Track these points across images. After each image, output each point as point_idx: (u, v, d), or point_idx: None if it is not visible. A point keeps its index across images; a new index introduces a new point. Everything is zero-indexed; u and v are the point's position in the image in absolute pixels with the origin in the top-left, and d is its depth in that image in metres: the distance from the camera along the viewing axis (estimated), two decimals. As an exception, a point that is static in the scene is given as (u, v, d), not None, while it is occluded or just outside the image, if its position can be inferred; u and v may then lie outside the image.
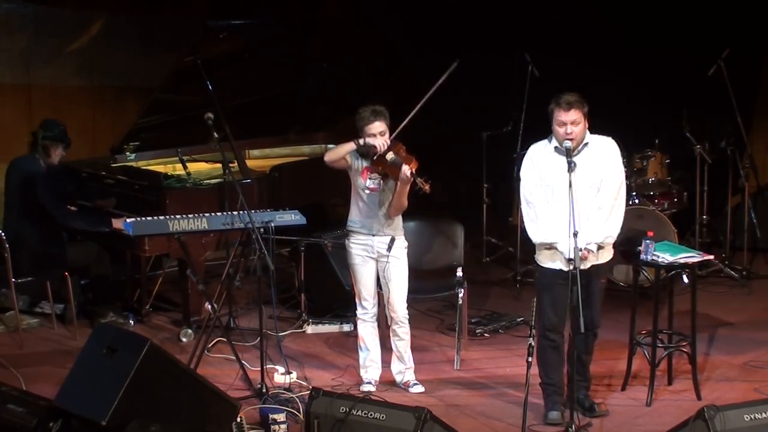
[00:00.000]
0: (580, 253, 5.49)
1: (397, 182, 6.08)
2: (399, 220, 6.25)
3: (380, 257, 6.23)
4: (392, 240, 6.19)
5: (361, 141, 6.06)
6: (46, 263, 7.23)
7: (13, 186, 7.29)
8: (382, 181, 6.14)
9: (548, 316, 5.79)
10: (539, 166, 5.76)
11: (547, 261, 5.80)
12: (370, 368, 6.38)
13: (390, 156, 6.06)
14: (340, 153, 6.15)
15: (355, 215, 6.24)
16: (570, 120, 5.63)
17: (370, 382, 6.33)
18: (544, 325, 5.77)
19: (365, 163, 6.16)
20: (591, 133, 5.79)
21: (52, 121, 7.39)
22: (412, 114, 6.11)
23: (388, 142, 6.07)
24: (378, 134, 6.05)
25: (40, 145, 7.23)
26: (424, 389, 6.37)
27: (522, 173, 5.84)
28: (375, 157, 6.09)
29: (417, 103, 6.16)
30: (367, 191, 6.17)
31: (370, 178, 6.13)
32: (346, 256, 6.38)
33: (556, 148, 5.74)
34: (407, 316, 6.34)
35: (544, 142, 5.85)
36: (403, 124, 6.12)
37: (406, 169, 5.94)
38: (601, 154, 5.77)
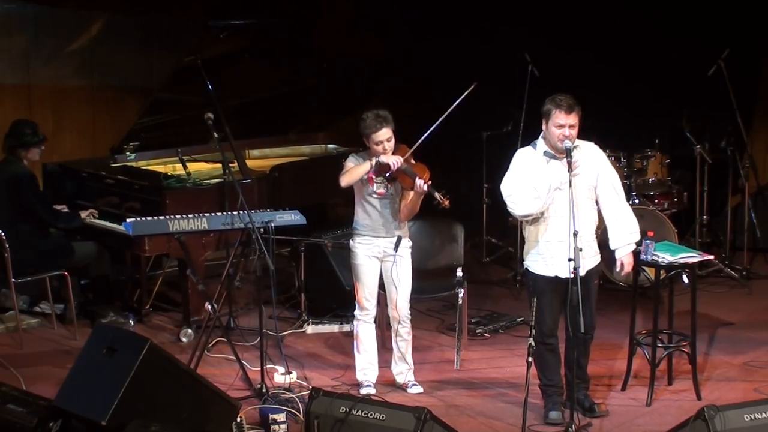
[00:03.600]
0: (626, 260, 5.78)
1: (406, 190, 6.09)
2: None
3: (386, 257, 6.21)
4: (399, 239, 6.19)
5: (374, 161, 6.00)
6: (49, 256, 7.25)
7: (2, 195, 7.27)
8: (388, 185, 6.13)
9: (546, 322, 5.80)
10: (531, 174, 5.74)
11: (540, 268, 5.81)
12: (369, 370, 6.36)
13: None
14: (357, 175, 6.04)
15: (362, 219, 6.20)
16: (570, 123, 5.64)
17: (369, 385, 6.31)
18: (542, 331, 5.78)
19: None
20: (584, 134, 5.81)
21: (21, 124, 7.37)
22: (425, 135, 6.05)
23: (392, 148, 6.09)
24: (385, 141, 6.04)
25: (10, 152, 7.26)
26: (422, 390, 6.36)
27: (510, 173, 5.80)
28: (376, 163, 6.09)
29: (431, 123, 6.06)
30: (376, 196, 6.13)
31: (376, 183, 6.12)
32: (347, 257, 6.37)
33: (545, 152, 5.75)
34: (409, 316, 6.34)
35: (529, 149, 5.85)
36: (416, 145, 6.08)
37: (421, 183, 5.94)
38: (590, 157, 5.81)
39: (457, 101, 6.00)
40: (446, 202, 5.92)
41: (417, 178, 5.97)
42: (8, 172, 7.24)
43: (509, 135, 8.71)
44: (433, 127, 6.04)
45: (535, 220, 5.79)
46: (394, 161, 5.97)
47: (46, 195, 7.47)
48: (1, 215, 7.22)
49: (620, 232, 5.82)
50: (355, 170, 6.05)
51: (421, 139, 6.06)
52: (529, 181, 5.70)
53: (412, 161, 6.10)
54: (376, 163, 6.02)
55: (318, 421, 5.31)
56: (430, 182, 5.95)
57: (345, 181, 6.08)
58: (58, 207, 7.46)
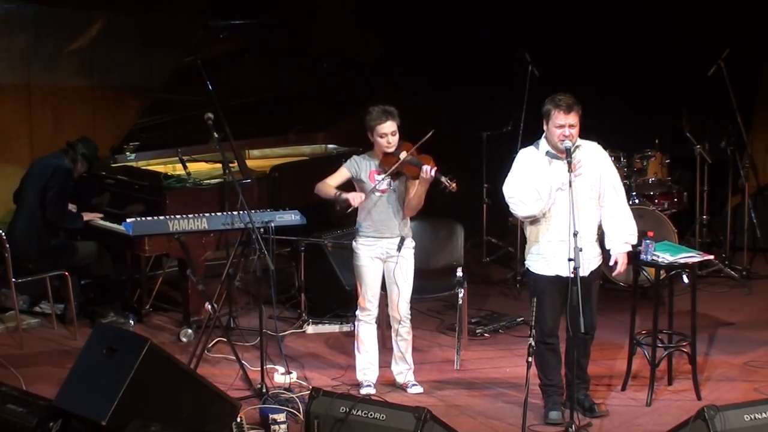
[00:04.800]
0: (621, 259, 5.75)
1: (411, 181, 6.09)
2: (408, 220, 6.24)
3: (389, 258, 6.21)
4: (402, 240, 6.19)
5: (341, 197, 6.03)
6: (51, 255, 7.26)
7: (35, 181, 7.27)
8: (391, 181, 6.13)
9: (546, 322, 5.79)
10: (533, 175, 5.74)
11: (541, 268, 5.81)
12: (369, 370, 6.35)
13: (404, 155, 6.05)
14: (326, 195, 6.12)
15: (365, 219, 6.18)
16: (569, 123, 5.64)
17: (369, 385, 6.31)
18: (543, 330, 5.78)
19: (373, 166, 6.14)
20: (584, 134, 5.81)
21: (91, 141, 7.50)
22: (389, 172, 6.07)
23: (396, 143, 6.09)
24: (389, 134, 6.05)
25: (79, 156, 7.31)
26: (422, 390, 6.36)
27: (512, 175, 5.81)
28: (384, 156, 6.08)
29: (430, 123, 6.06)
30: (378, 193, 6.13)
31: (378, 180, 6.10)
32: (347, 257, 6.37)
33: (547, 152, 5.75)
34: (409, 316, 6.34)
35: (531, 149, 5.85)
36: (411, 151, 6.09)
37: (428, 169, 5.94)
38: (593, 157, 5.81)
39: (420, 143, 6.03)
40: (453, 185, 5.93)
41: (423, 165, 5.98)
42: (53, 163, 7.29)
43: (509, 135, 8.71)
44: (382, 176, 6.06)
45: (537, 219, 5.79)
46: (354, 197, 5.98)
47: (66, 197, 7.40)
48: (27, 200, 7.26)
49: (617, 233, 5.80)
50: (326, 190, 6.09)
51: (390, 169, 6.07)
52: (531, 182, 5.70)
53: (415, 152, 6.10)
54: (340, 199, 6.03)
55: (318, 421, 5.32)
56: (436, 168, 5.96)
57: (317, 189, 6.14)
58: (71, 207, 7.48)
